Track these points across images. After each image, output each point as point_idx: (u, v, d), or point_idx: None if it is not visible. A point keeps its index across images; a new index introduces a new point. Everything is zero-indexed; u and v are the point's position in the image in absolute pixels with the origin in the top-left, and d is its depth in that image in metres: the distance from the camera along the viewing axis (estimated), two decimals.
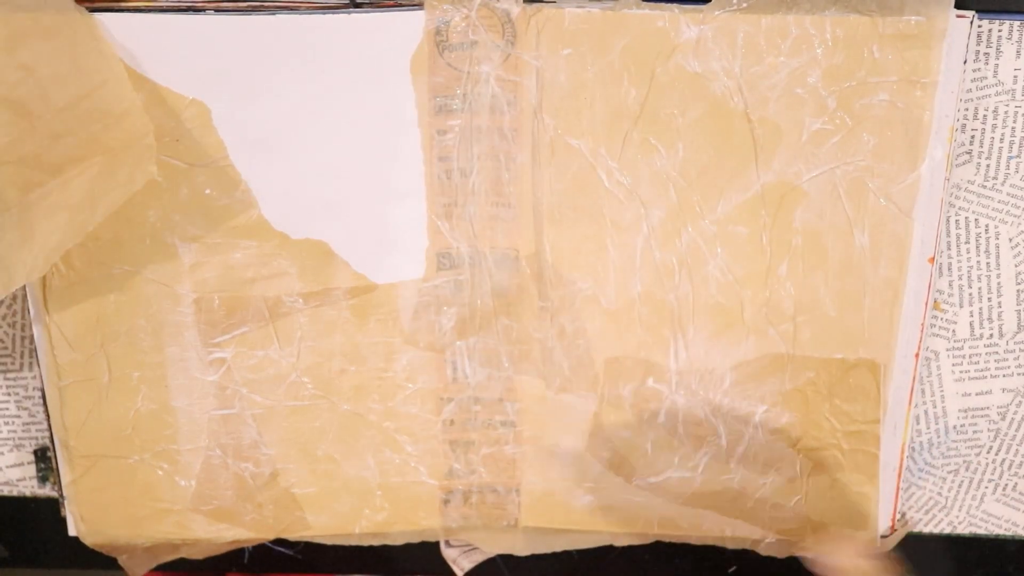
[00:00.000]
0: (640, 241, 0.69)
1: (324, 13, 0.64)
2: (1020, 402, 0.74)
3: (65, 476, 0.74)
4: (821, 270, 0.69)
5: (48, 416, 0.73)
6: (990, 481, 0.76)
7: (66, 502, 0.75)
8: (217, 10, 0.64)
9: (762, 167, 0.67)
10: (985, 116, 0.67)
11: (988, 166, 0.68)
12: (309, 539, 0.77)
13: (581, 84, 0.66)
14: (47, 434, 0.74)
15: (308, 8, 0.64)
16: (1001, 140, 0.68)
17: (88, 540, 0.76)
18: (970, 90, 0.67)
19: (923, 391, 0.74)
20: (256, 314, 0.71)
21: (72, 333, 0.71)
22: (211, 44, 0.65)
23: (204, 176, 0.68)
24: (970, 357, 0.73)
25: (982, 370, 0.73)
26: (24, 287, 0.70)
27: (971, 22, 0.64)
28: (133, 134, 0.64)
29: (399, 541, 0.76)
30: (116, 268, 0.69)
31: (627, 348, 0.71)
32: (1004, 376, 0.73)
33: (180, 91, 0.66)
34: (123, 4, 0.64)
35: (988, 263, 0.70)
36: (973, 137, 0.68)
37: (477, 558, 0.78)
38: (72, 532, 0.76)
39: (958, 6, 0.64)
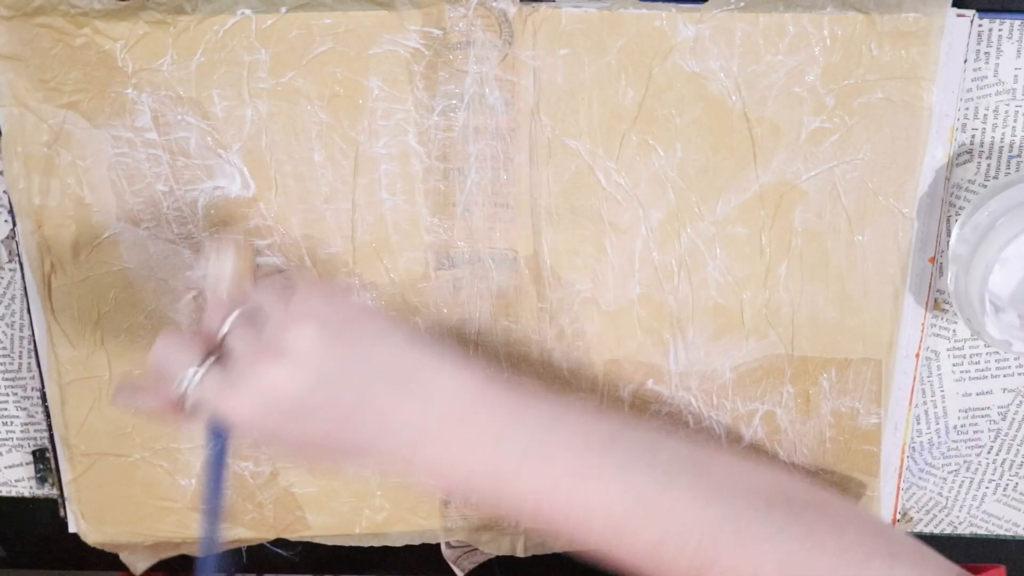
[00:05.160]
0: (639, 242, 0.68)
1: (321, 12, 0.64)
2: (1020, 402, 0.73)
3: (65, 474, 0.74)
4: (821, 270, 0.69)
5: (48, 415, 0.73)
6: (991, 481, 0.76)
7: (66, 500, 0.75)
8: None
9: (761, 167, 0.67)
10: (985, 115, 0.67)
11: (988, 166, 0.68)
12: (309, 539, 0.77)
13: (578, 84, 0.66)
14: (46, 435, 0.74)
15: (309, 7, 0.64)
16: (1001, 140, 0.68)
17: (88, 538, 0.76)
18: (970, 89, 0.67)
19: (923, 391, 0.73)
20: None
21: (73, 330, 0.71)
22: (210, 43, 0.65)
23: (203, 175, 0.67)
24: (970, 357, 0.72)
25: (982, 370, 0.73)
26: (24, 285, 0.70)
27: (971, 21, 0.64)
28: None
29: (399, 542, 0.76)
30: (116, 266, 0.69)
31: (626, 350, 0.71)
32: (1004, 376, 0.73)
33: (180, 89, 0.66)
34: None
35: None
36: (973, 137, 0.68)
37: (477, 559, 0.78)
38: (72, 530, 0.76)
39: (959, 5, 0.64)
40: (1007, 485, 0.76)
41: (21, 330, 0.74)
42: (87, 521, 0.75)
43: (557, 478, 0.58)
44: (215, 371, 0.57)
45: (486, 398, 0.60)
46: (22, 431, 0.77)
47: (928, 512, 0.77)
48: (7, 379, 0.75)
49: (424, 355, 0.59)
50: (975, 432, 0.74)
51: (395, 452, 0.59)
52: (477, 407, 0.59)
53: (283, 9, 0.64)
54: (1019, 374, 0.73)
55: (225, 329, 0.58)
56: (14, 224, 0.69)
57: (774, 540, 0.57)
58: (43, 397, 0.73)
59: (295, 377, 0.56)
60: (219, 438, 0.60)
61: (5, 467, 0.78)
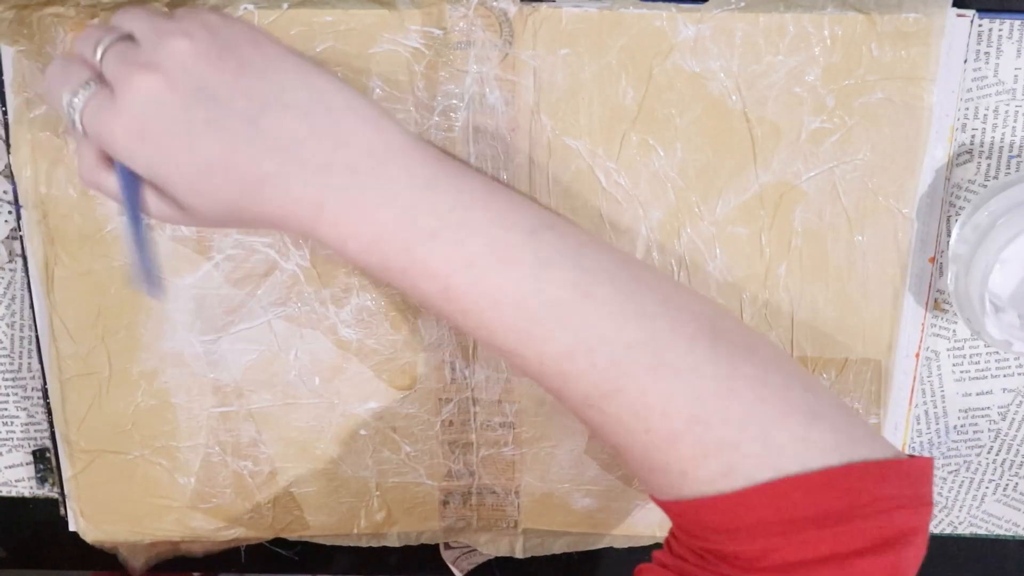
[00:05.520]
0: (639, 242, 0.68)
1: (323, 9, 0.64)
2: (1020, 402, 0.73)
3: (66, 471, 0.74)
4: (821, 270, 0.69)
5: (49, 413, 0.73)
6: (990, 481, 0.76)
7: (66, 498, 0.75)
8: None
9: (761, 167, 0.67)
10: (985, 116, 0.67)
11: (988, 166, 0.68)
12: (308, 539, 0.77)
13: (579, 84, 0.66)
14: (46, 435, 0.74)
15: (309, 5, 0.64)
16: (1001, 140, 0.68)
17: (88, 536, 0.76)
18: (970, 89, 0.67)
19: (923, 391, 0.73)
20: (255, 312, 0.71)
21: (74, 325, 0.71)
22: None
23: None
24: (970, 357, 0.72)
25: (982, 370, 0.73)
26: (26, 284, 0.70)
27: (971, 21, 0.64)
28: None
29: (398, 542, 0.76)
30: (118, 261, 0.70)
31: None
32: (1004, 376, 0.73)
33: None
34: None
35: None
36: (973, 137, 0.68)
37: (476, 560, 0.78)
38: (72, 527, 0.76)
39: (959, 5, 0.64)
40: (1007, 485, 0.76)
41: (22, 330, 0.74)
42: (86, 519, 0.75)
43: (472, 256, 0.53)
44: (98, 96, 0.53)
45: (407, 152, 0.54)
46: (23, 431, 0.77)
47: None
48: (8, 379, 0.75)
49: (337, 88, 0.54)
50: (975, 432, 0.74)
51: (300, 196, 0.53)
52: (396, 160, 0.53)
53: (284, 5, 0.65)
54: (1019, 374, 0.73)
55: (99, 53, 0.54)
56: (16, 223, 0.69)
57: (690, 376, 0.52)
58: (44, 396, 0.73)
59: (171, 89, 0.52)
60: (128, 178, 0.55)
61: (5, 467, 0.78)
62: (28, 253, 0.70)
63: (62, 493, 0.75)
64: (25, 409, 0.76)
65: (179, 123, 0.52)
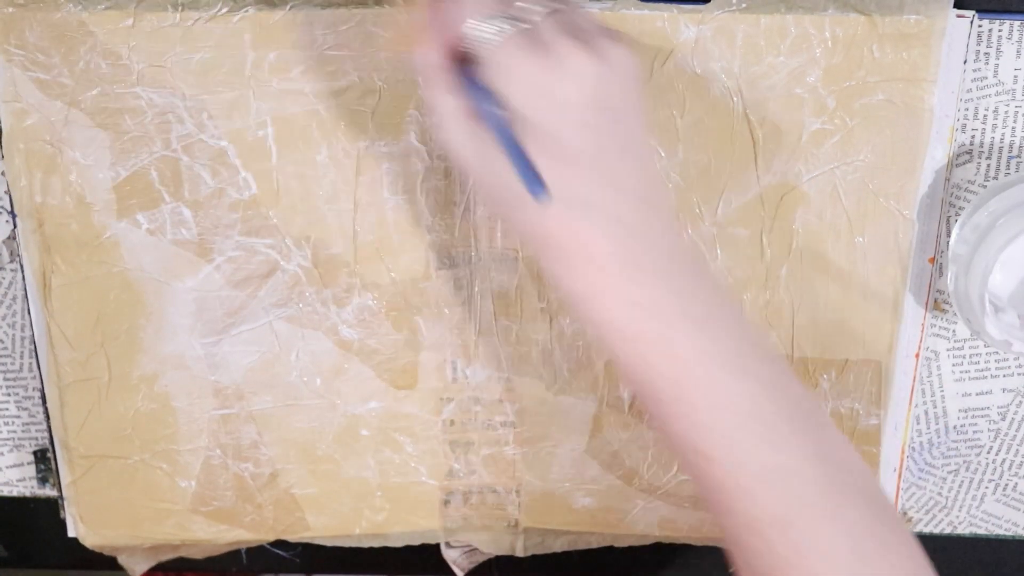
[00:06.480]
0: None
1: (325, 9, 0.64)
2: (1020, 402, 0.73)
3: (65, 477, 0.74)
4: (821, 271, 0.69)
5: (48, 416, 0.73)
6: (990, 481, 0.76)
7: (65, 503, 0.75)
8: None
9: (762, 168, 0.67)
10: (985, 116, 0.67)
11: (988, 166, 0.68)
12: (309, 540, 0.77)
13: None
14: (47, 435, 0.74)
15: (311, 5, 0.64)
16: (1001, 140, 0.68)
17: (88, 541, 0.76)
18: (970, 90, 0.67)
19: (923, 391, 0.73)
20: (256, 313, 0.71)
21: (72, 332, 0.70)
22: (213, 41, 0.65)
23: (205, 174, 0.67)
24: (970, 357, 0.73)
25: (982, 370, 0.73)
26: (24, 286, 0.70)
27: (971, 22, 0.64)
28: None
29: (399, 542, 0.76)
30: (116, 267, 0.69)
31: None
32: (1004, 376, 0.73)
33: (183, 87, 0.66)
34: None
35: None
36: (973, 137, 0.68)
37: (477, 559, 0.78)
38: (72, 533, 0.76)
39: (958, 6, 0.64)
40: (1007, 485, 0.76)
41: (22, 330, 0.74)
42: (86, 524, 0.75)
43: (710, 358, 0.54)
44: (519, 34, 0.53)
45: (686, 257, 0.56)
46: (23, 431, 0.77)
47: (928, 512, 0.77)
48: (8, 379, 0.75)
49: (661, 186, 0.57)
50: (975, 432, 0.75)
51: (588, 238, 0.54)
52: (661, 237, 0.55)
53: (287, 7, 0.65)
54: (1019, 374, 0.73)
55: (538, 10, 0.54)
56: (15, 225, 0.69)
57: (856, 529, 0.54)
58: (44, 398, 0.73)
59: (601, 82, 0.53)
60: (496, 116, 0.54)
61: (6, 467, 0.78)
62: (24, 262, 0.69)
63: (61, 497, 0.75)
64: (26, 409, 0.76)
65: (578, 110, 0.53)
